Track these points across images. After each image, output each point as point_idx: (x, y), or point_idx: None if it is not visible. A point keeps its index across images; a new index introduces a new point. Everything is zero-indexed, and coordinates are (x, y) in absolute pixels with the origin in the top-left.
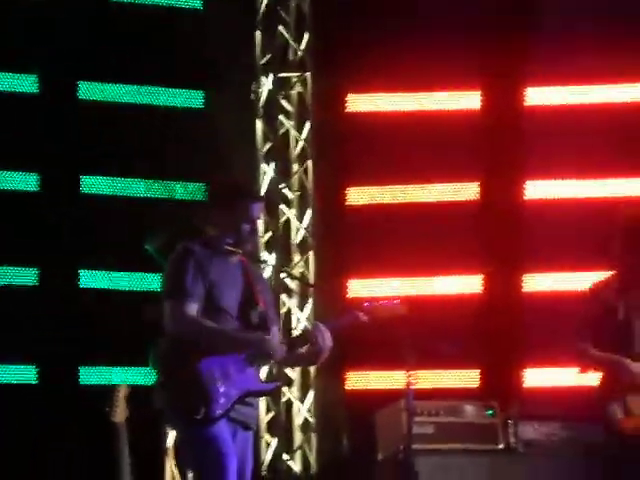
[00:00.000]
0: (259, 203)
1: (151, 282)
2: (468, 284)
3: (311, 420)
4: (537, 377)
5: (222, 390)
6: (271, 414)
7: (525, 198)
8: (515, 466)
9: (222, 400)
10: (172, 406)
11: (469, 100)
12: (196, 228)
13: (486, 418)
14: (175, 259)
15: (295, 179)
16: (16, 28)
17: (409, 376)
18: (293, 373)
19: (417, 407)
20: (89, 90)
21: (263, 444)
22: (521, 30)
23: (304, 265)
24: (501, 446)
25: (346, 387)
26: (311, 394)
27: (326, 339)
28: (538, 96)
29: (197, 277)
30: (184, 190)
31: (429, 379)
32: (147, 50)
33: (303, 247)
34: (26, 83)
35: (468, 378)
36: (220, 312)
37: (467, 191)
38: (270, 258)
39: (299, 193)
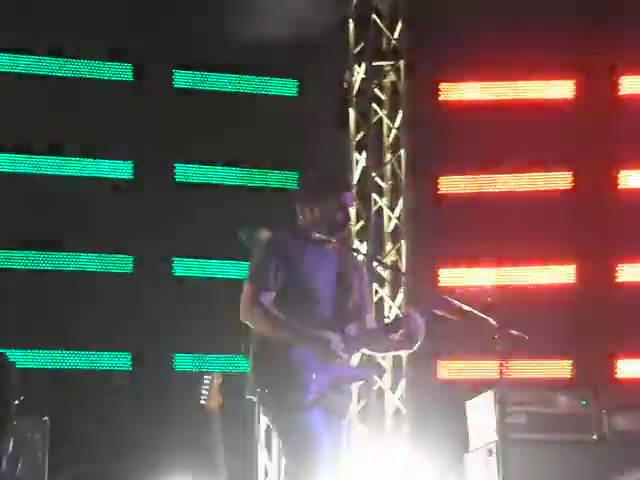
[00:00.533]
0: (349, 192)
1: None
2: (561, 274)
3: (403, 409)
4: (630, 367)
5: (314, 377)
6: (362, 402)
7: (619, 187)
8: (609, 457)
9: (314, 387)
10: (265, 393)
11: (563, 89)
12: (290, 216)
13: (580, 408)
14: (260, 247)
15: (387, 168)
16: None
17: (501, 365)
18: (385, 362)
19: (510, 396)
20: (185, 78)
21: (355, 432)
22: (616, 17)
23: (396, 254)
24: (595, 437)
25: (438, 376)
26: (403, 383)
27: (419, 325)
28: (633, 85)
29: (279, 267)
30: (278, 178)
31: (522, 369)
32: (241, 39)
33: (395, 236)
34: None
35: (561, 368)
36: (310, 299)
37: (560, 180)
38: (362, 247)
39: (391, 182)
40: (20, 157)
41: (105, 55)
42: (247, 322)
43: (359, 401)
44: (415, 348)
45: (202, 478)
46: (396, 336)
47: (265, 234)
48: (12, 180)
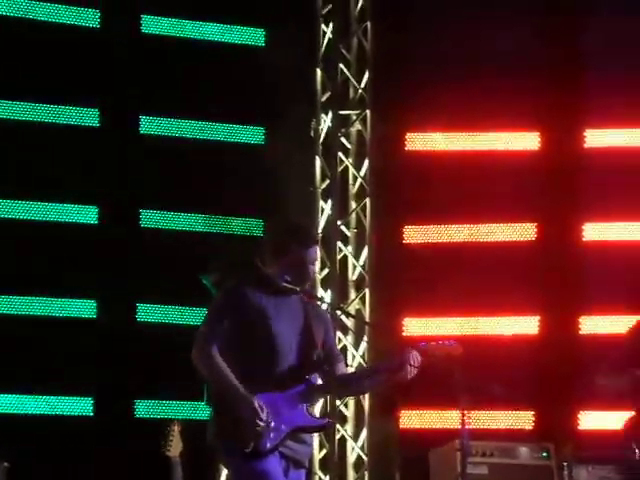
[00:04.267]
0: (315, 247)
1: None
2: (524, 325)
3: (365, 458)
4: (592, 420)
5: (272, 425)
6: (324, 451)
7: (584, 239)
8: None
9: (272, 434)
10: (223, 440)
11: (528, 140)
12: (254, 264)
13: (541, 460)
14: (219, 294)
15: (352, 216)
16: (78, 62)
17: (463, 416)
18: (347, 410)
19: (471, 447)
20: (151, 124)
21: None
22: (578, 70)
23: (360, 303)
24: None
25: (400, 425)
26: (365, 432)
27: (415, 356)
28: (597, 138)
29: (235, 315)
30: (243, 225)
31: (483, 419)
32: (208, 85)
33: (359, 284)
34: (88, 117)
35: (522, 419)
36: (269, 349)
37: (524, 232)
38: (326, 295)
39: (356, 230)
40: None
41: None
42: (195, 367)
43: (321, 449)
44: (410, 376)
45: None
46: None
47: (227, 281)
48: None
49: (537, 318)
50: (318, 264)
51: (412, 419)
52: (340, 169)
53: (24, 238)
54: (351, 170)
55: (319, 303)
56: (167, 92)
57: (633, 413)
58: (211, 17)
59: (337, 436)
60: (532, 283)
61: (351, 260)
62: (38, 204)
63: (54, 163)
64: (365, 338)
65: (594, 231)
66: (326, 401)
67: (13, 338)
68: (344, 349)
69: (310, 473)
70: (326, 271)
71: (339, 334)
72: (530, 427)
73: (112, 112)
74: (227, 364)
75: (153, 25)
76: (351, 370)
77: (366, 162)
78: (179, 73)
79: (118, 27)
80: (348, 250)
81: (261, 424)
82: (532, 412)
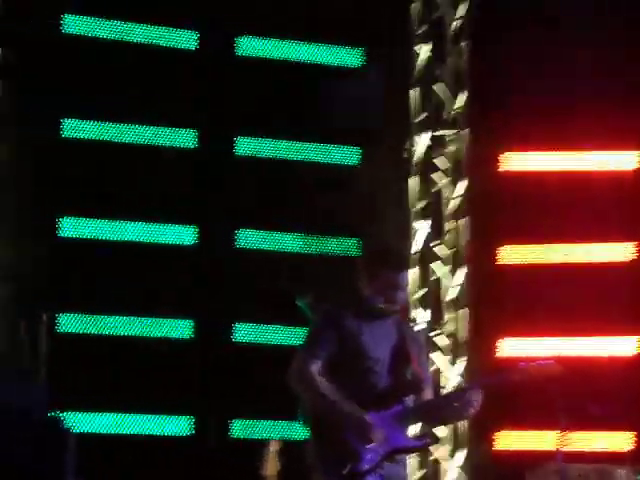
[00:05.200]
0: (405, 272)
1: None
2: (622, 345)
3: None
4: None
5: (369, 446)
6: (421, 472)
7: None
8: None
9: (369, 456)
10: (320, 461)
11: (624, 161)
12: (350, 286)
13: None
14: (317, 317)
15: (448, 237)
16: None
17: (561, 437)
18: (443, 432)
19: (568, 469)
20: (247, 145)
21: None
22: None
23: (455, 323)
24: None
25: (496, 446)
26: (462, 453)
27: (477, 399)
28: None
29: (333, 338)
30: (338, 245)
31: (581, 441)
32: (304, 106)
33: (455, 305)
34: (187, 139)
35: (621, 441)
36: (367, 371)
37: (621, 252)
38: (421, 315)
39: (452, 251)
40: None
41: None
42: (294, 388)
43: (417, 471)
44: (466, 419)
45: None
46: (456, 405)
47: (323, 304)
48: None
49: (635, 338)
50: (414, 285)
51: (509, 440)
52: (435, 189)
53: (123, 258)
54: (446, 190)
55: (413, 325)
56: (263, 112)
57: None
58: (308, 38)
59: (431, 457)
60: (630, 303)
61: (446, 281)
62: (137, 224)
63: (153, 183)
64: (461, 359)
65: None
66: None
67: (111, 359)
68: (438, 371)
69: None
70: (422, 292)
71: (433, 355)
72: (629, 448)
73: (209, 133)
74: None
75: (250, 46)
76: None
77: (461, 182)
78: (275, 93)
79: (214, 47)
80: (444, 270)
81: (374, 439)
82: (634, 433)
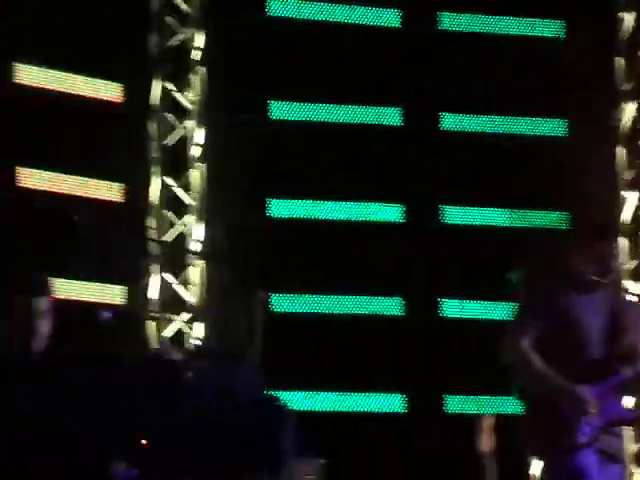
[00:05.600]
0: (615, 242)
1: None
2: None
3: None
4: None
5: (585, 419)
6: (638, 445)
7: None
8: None
9: (585, 429)
10: (537, 435)
11: None
12: (561, 259)
13: None
14: (528, 291)
15: None
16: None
17: None
18: None
19: None
20: (453, 121)
21: (626, 476)
22: None
23: None
24: None
25: None
26: None
27: None
28: None
29: (545, 311)
30: (547, 219)
31: None
32: (509, 80)
33: None
34: (393, 117)
35: None
36: (578, 343)
37: None
38: (635, 287)
39: None
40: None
41: None
42: (507, 363)
43: (633, 444)
44: None
45: None
46: None
47: (533, 277)
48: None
49: None
50: (624, 256)
51: None
52: None
53: (333, 238)
54: None
55: (626, 295)
56: (465, 90)
57: None
58: (510, 11)
59: None
60: None
61: None
62: (346, 204)
63: (360, 164)
64: None
65: None
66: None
67: (325, 338)
68: None
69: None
70: (635, 262)
71: None
72: None
73: (414, 111)
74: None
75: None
76: None
77: None
78: (477, 70)
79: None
80: None
81: (590, 412)
82: None
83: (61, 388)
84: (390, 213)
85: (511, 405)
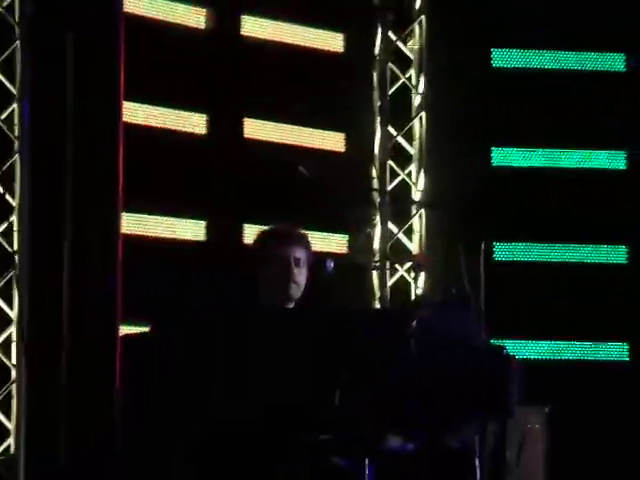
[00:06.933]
0: None
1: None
2: None
3: None
4: None
5: None
6: None
7: None
8: None
9: None
10: None
11: None
12: None
13: None
14: None
15: None
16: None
17: None
18: None
19: None
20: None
21: None
22: None
23: None
24: None
25: None
26: None
27: None
28: None
29: None
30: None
31: None
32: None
33: None
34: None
35: None
36: None
37: None
38: None
39: None
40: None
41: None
42: None
43: None
44: None
45: None
46: None
47: None
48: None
49: None
50: None
51: None
52: None
53: (554, 187)
54: None
55: None
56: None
57: None
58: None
59: None
60: None
61: None
62: (569, 152)
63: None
64: None
65: None
66: None
67: (544, 285)
68: None
69: None
70: None
71: None
72: None
73: None
74: None
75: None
76: None
77: None
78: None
79: None
80: None
81: None
82: None
83: None
84: (611, 159)
85: None
